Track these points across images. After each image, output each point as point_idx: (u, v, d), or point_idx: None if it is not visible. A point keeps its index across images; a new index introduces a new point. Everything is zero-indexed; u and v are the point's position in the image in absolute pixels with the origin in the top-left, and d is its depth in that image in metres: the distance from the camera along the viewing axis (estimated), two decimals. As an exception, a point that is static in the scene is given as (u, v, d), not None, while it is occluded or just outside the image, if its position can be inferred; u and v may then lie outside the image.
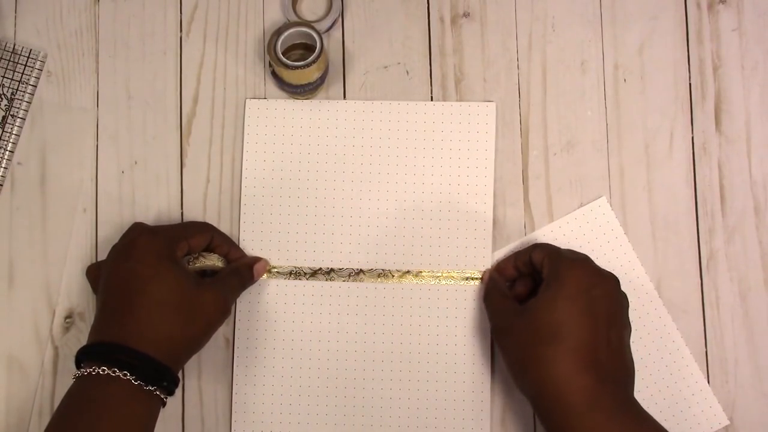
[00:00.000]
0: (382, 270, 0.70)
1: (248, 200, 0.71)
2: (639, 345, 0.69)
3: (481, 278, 0.69)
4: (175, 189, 0.72)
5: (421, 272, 0.70)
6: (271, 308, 0.70)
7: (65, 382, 0.68)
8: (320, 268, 0.70)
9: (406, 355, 0.69)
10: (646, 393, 0.69)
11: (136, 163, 0.72)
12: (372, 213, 0.71)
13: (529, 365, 0.59)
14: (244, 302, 0.70)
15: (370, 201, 0.71)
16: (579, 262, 0.63)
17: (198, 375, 0.70)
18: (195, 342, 0.63)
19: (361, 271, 0.70)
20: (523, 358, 0.59)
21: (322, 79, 0.70)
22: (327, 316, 0.70)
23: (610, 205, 0.71)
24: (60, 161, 0.72)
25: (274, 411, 0.69)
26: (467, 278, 0.70)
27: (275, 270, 0.70)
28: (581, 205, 0.71)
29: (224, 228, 0.71)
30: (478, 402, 0.68)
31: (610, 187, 0.71)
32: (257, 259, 0.69)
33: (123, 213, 0.72)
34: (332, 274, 0.70)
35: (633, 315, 0.68)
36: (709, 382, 0.69)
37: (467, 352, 0.69)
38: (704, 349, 0.70)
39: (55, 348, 0.70)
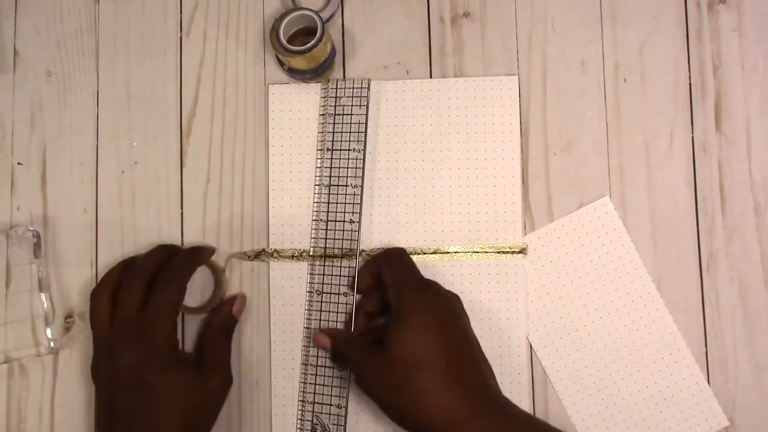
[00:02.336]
0: (413, 249, 0.70)
1: (276, 185, 0.71)
2: (639, 344, 0.69)
3: (316, 340, 0.68)
4: (175, 189, 0.72)
5: (452, 248, 0.70)
6: (302, 288, 0.71)
7: (65, 383, 0.70)
8: (351, 249, 0.70)
9: None
10: (646, 393, 0.69)
11: (136, 163, 0.72)
12: (401, 192, 0.71)
13: (406, 404, 0.60)
14: (276, 288, 0.70)
15: (398, 180, 0.71)
16: (422, 289, 0.64)
17: (198, 375, 0.70)
18: (208, 427, 0.64)
19: None
20: (398, 399, 0.61)
21: (331, 58, 0.70)
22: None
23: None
24: (60, 161, 0.72)
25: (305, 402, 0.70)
26: (499, 252, 0.70)
27: (306, 253, 0.70)
28: (581, 205, 0.71)
29: (224, 228, 0.71)
30: (515, 365, 0.69)
31: (610, 187, 0.71)
32: (232, 303, 0.69)
33: (123, 213, 0.72)
34: (364, 254, 0.70)
35: (634, 314, 0.69)
36: (709, 383, 0.69)
37: (502, 326, 0.70)
38: (704, 350, 0.70)
39: (56, 349, 0.70)
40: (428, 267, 0.71)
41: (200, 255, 0.68)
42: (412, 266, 0.67)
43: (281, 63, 0.71)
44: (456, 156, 0.72)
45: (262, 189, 0.72)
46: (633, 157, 0.71)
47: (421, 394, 0.60)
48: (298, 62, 0.68)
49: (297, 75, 0.71)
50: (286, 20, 0.67)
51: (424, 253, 0.71)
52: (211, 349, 0.66)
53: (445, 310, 0.63)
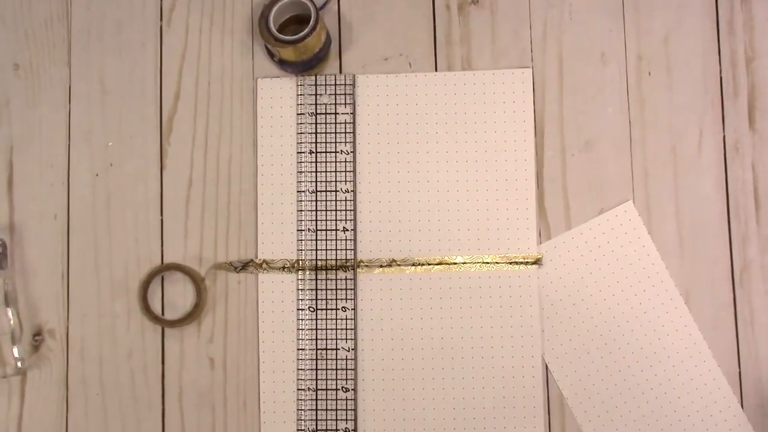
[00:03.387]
0: (415, 260, 0.68)
1: (265, 189, 0.69)
2: (666, 365, 0.67)
3: None
4: (154, 192, 0.70)
5: (459, 259, 0.68)
6: (295, 303, 0.68)
7: (33, 407, 0.68)
8: (348, 260, 0.68)
9: (451, 347, 0.68)
10: (673, 417, 0.66)
11: (111, 164, 0.70)
12: (402, 196, 0.69)
13: None
14: (266, 302, 0.68)
15: (399, 183, 0.69)
16: None
17: (179, 397, 0.68)
18: None
19: (394, 261, 0.68)
20: None
21: (326, 48, 0.69)
22: (360, 311, 0.68)
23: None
24: (28, 163, 0.70)
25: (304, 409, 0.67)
26: (512, 263, 0.68)
27: (298, 264, 0.68)
28: (602, 211, 0.69)
29: (208, 233, 0.69)
30: (529, 388, 0.67)
31: (633, 191, 0.69)
32: None
33: (97, 220, 0.69)
34: (362, 265, 0.68)
35: (660, 331, 0.68)
36: (742, 406, 0.67)
37: (515, 344, 0.67)
38: (737, 369, 0.67)
39: (23, 369, 0.67)
40: (432, 280, 0.68)
41: None
42: None
43: (271, 54, 0.70)
44: (463, 157, 0.69)
45: (251, 193, 0.70)
46: (658, 158, 0.69)
47: None
48: (290, 53, 0.66)
49: (288, 67, 0.69)
50: (276, 7, 0.66)
51: (428, 264, 0.68)
52: None
53: None
